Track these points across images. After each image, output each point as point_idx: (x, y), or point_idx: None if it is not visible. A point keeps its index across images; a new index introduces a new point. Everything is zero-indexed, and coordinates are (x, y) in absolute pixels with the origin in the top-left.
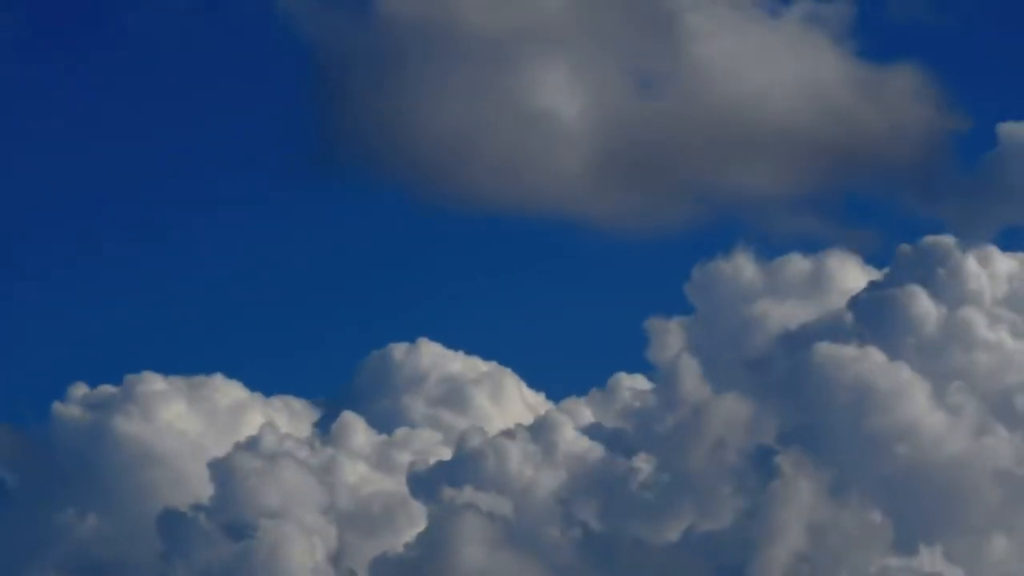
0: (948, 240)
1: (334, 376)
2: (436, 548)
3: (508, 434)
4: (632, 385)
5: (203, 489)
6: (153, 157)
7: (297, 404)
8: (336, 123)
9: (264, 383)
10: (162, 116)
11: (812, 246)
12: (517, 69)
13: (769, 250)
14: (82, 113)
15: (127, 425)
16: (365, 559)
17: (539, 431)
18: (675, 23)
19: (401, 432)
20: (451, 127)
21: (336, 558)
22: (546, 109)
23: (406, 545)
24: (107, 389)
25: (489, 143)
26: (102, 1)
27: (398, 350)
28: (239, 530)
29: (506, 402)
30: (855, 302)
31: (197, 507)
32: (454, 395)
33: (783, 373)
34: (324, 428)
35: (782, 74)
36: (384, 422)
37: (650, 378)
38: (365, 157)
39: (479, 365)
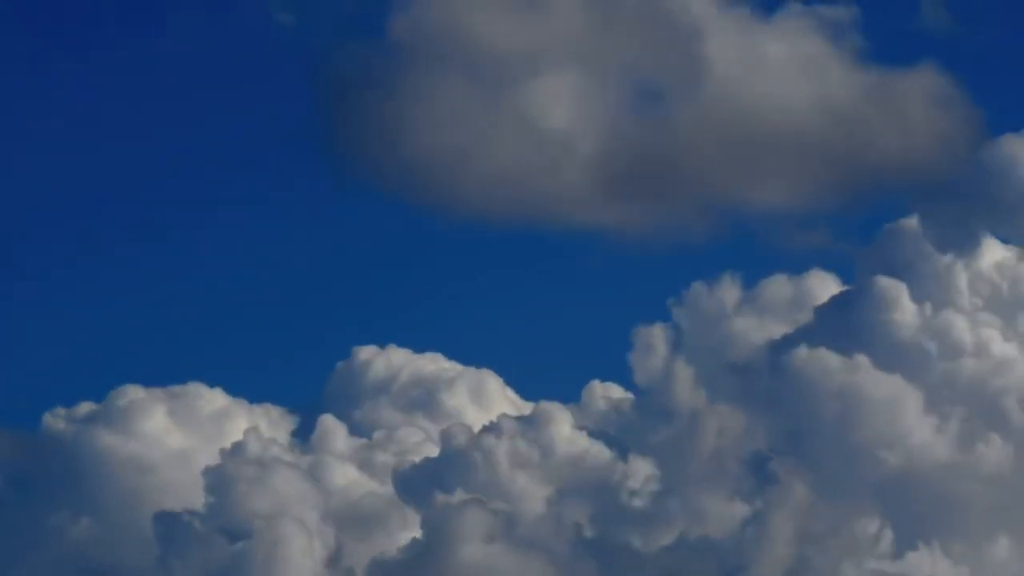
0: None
1: (308, 382)
2: (432, 547)
3: (493, 429)
4: (607, 393)
5: (195, 496)
6: (132, 166)
7: (275, 411)
8: (339, 132)
9: (240, 391)
10: (157, 122)
11: (814, 262)
12: (522, 82)
13: (754, 274)
14: (73, 117)
15: (113, 438)
16: (362, 560)
17: (525, 427)
18: (682, 34)
19: (383, 434)
20: (454, 138)
21: (334, 560)
22: (548, 121)
23: (402, 546)
24: (90, 406)
25: (490, 155)
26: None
27: (373, 355)
28: (235, 535)
29: (488, 406)
30: (824, 308)
31: (192, 513)
32: (433, 399)
33: (764, 379)
34: (304, 433)
35: (791, 84)
36: (362, 426)
37: (635, 385)
38: (365, 166)
39: (461, 370)
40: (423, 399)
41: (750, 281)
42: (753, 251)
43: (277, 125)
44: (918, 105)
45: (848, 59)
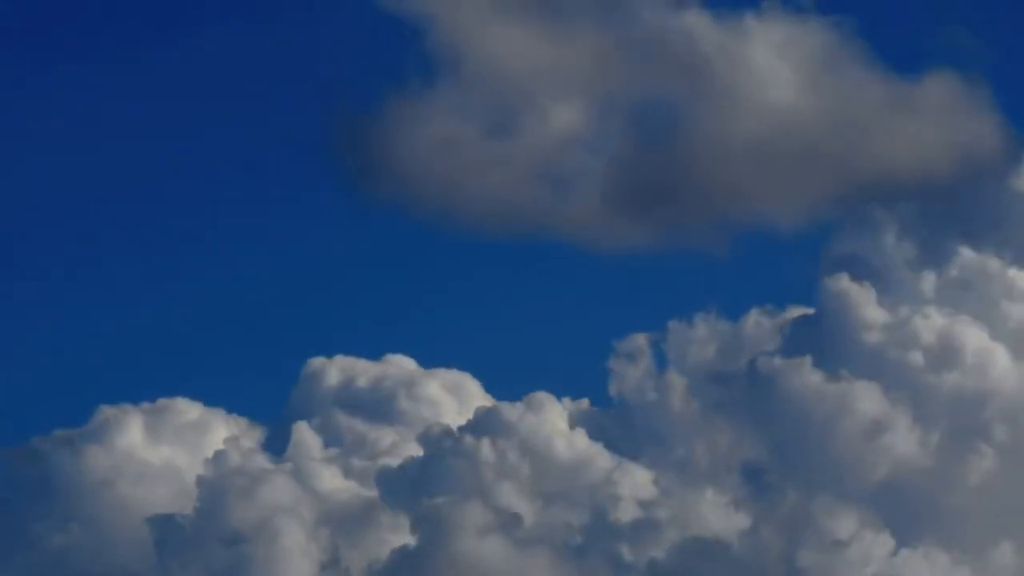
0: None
1: (272, 392)
2: (426, 548)
3: (471, 428)
4: (579, 407)
5: (184, 507)
6: (105, 184)
7: (242, 421)
8: (345, 149)
9: (213, 402)
10: (143, 133)
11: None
12: (528, 100)
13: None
14: (63, 123)
15: (95, 454)
16: (357, 563)
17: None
18: (688, 50)
19: (356, 439)
20: (459, 155)
21: (331, 562)
22: (551, 138)
23: (396, 548)
24: (71, 431)
25: (494, 169)
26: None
27: (330, 363)
28: (229, 545)
29: (464, 409)
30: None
31: (186, 521)
32: (405, 402)
33: (745, 391)
34: (276, 442)
35: (805, 97)
36: (334, 432)
37: (610, 398)
38: (371, 181)
39: (425, 372)
40: (392, 403)
41: (748, 296)
42: (753, 267)
43: (271, 139)
44: (933, 116)
45: (860, 69)
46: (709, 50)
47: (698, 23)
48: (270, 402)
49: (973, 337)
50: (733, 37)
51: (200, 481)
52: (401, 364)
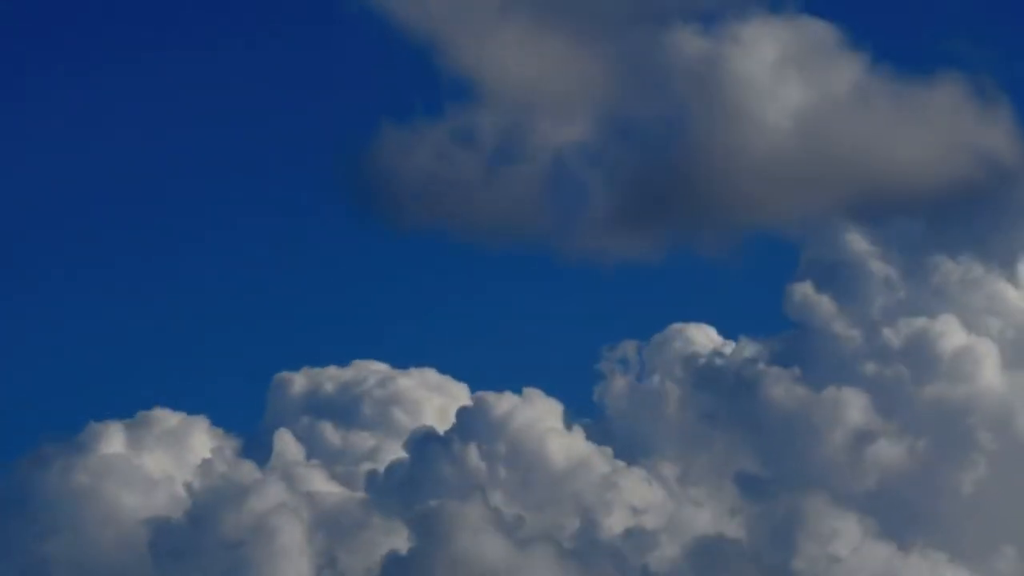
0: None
1: (248, 402)
2: (420, 549)
3: (458, 430)
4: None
5: (176, 515)
6: (88, 194)
7: (218, 432)
8: (348, 161)
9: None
10: (135, 140)
11: None
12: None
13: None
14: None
15: (84, 474)
16: (353, 566)
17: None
18: (691, 59)
19: (336, 445)
20: (458, 170)
21: (327, 566)
22: (550, 148)
23: (391, 550)
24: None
25: (496, 181)
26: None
27: (301, 374)
28: (223, 552)
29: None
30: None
31: (180, 526)
32: (387, 407)
33: (731, 398)
34: (257, 449)
35: (806, 105)
36: (314, 439)
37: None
38: (368, 195)
39: (398, 374)
40: (376, 408)
41: (745, 303)
42: (751, 276)
43: (272, 152)
44: (939, 120)
45: (861, 74)
46: (707, 61)
47: (696, 34)
48: (247, 412)
49: (963, 343)
50: (731, 47)
51: (190, 490)
52: (382, 368)
